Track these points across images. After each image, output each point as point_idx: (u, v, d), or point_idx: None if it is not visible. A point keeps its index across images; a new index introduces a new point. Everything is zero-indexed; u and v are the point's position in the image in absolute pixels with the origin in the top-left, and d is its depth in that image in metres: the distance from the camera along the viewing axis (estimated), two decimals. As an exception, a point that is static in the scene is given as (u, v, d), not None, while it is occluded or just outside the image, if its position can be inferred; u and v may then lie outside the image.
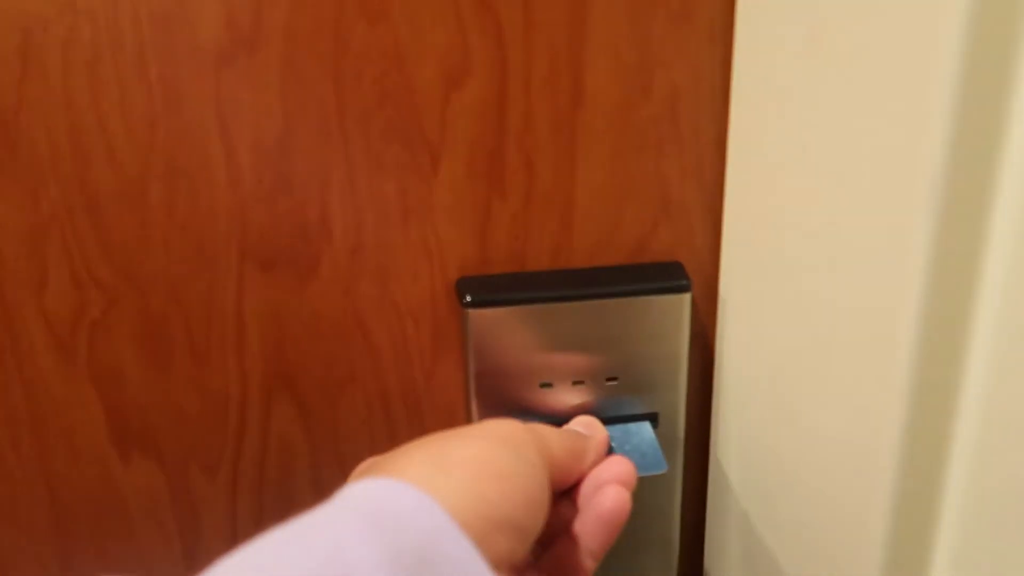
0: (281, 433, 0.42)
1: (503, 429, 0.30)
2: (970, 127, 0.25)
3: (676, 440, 0.43)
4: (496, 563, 0.26)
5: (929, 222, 0.26)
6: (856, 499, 0.32)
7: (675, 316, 0.41)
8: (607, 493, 0.32)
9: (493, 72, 0.37)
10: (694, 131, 0.39)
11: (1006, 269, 0.26)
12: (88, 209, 0.37)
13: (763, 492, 0.40)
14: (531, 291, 0.40)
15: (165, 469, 0.42)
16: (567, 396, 0.41)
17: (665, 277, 0.41)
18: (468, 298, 0.39)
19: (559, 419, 0.41)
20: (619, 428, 0.40)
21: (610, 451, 0.35)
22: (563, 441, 0.32)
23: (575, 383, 0.41)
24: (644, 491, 0.44)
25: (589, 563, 0.32)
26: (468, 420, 0.43)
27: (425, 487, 0.26)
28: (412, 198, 0.39)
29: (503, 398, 0.41)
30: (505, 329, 0.40)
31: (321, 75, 0.36)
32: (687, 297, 0.40)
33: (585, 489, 0.33)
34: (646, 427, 0.40)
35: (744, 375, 0.41)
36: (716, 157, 0.40)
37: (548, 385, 0.41)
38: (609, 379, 0.41)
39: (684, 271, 0.41)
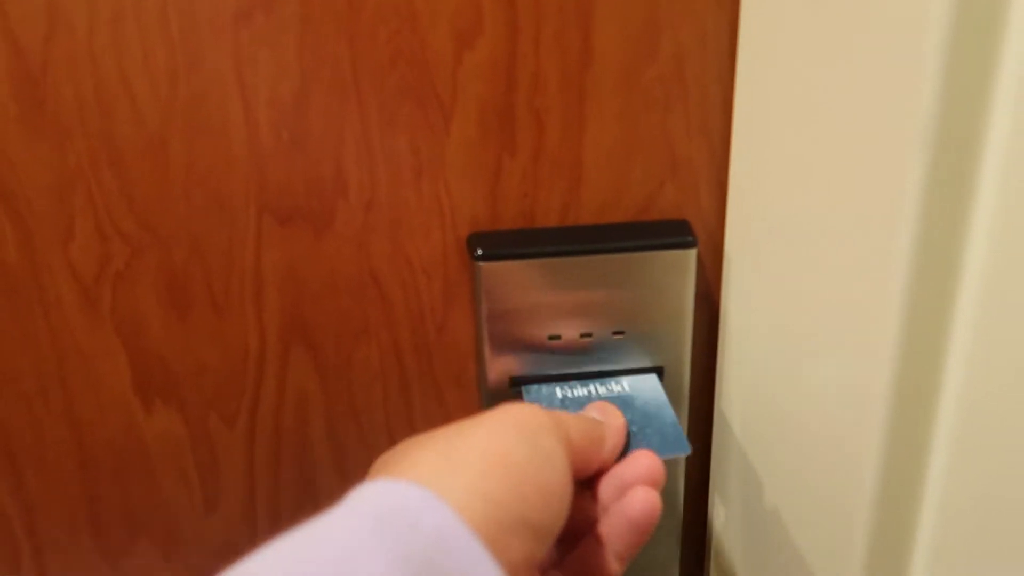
0: (297, 384, 0.44)
1: (518, 415, 0.29)
2: (960, 93, 0.26)
3: (682, 392, 0.44)
4: (512, 566, 0.25)
5: (923, 179, 0.27)
6: (850, 446, 0.33)
7: (681, 272, 0.42)
8: (636, 496, 0.30)
9: (504, 32, 0.38)
10: (700, 91, 0.40)
11: (997, 223, 0.27)
12: (112, 163, 0.39)
13: (764, 441, 0.41)
14: (540, 246, 0.41)
15: (186, 417, 0.44)
16: (575, 348, 0.42)
17: (671, 234, 0.42)
18: (479, 252, 0.40)
19: (567, 372, 0.43)
20: (640, 411, 0.38)
21: (628, 437, 0.34)
22: (580, 425, 0.31)
23: (583, 336, 0.42)
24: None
25: (616, 566, 0.31)
26: (479, 373, 0.44)
27: (435, 487, 0.25)
28: (424, 155, 0.40)
29: (512, 350, 0.42)
30: (515, 283, 0.41)
31: (336, 33, 0.37)
32: (693, 253, 0.41)
33: (608, 487, 0.32)
34: (666, 408, 0.39)
35: (748, 330, 0.42)
36: (722, 117, 0.41)
37: (556, 338, 0.42)
38: (616, 332, 0.42)
39: (690, 228, 0.42)
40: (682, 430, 0.37)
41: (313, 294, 0.42)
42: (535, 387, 0.40)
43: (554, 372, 0.43)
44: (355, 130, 0.39)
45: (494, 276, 0.41)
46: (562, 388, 0.40)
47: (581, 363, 0.43)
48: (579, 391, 0.39)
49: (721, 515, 0.47)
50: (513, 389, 0.43)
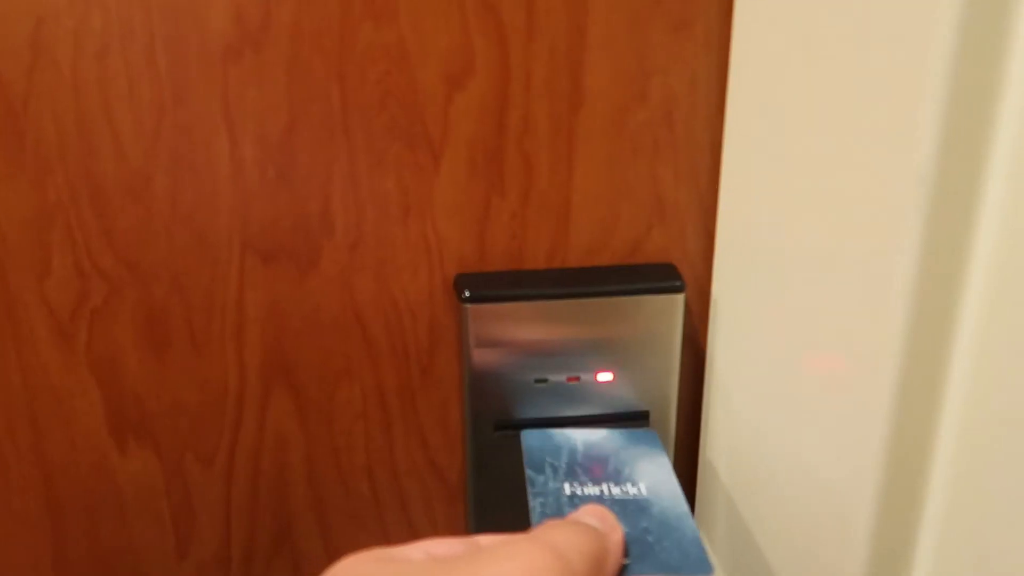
0: (277, 425, 0.43)
1: (522, 567, 0.24)
2: (958, 138, 0.26)
3: (667, 436, 0.44)
4: None
5: (916, 233, 0.27)
6: (842, 497, 0.33)
7: (669, 316, 0.42)
8: None
9: (495, 74, 0.38)
10: (689, 136, 0.40)
11: (990, 285, 0.27)
12: (93, 198, 0.38)
13: (751, 488, 0.41)
14: (528, 288, 0.40)
15: (161, 458, 0.43)
16: (561, 392, 0.42)
17: (660, 278, 0.42)
18: (466, 293, 0.40)
19: (552, 417, 0.42)
20: (656, 519, 0.34)
21: (638, 547, 0.31)
22: (585, 551, 0.27)
23: (569, 379, 0.42)
24: (634, 488, 0.44)
25: None
26: (462, 417, 0.43)
27: None
28: (413, 195, 0.40)
29: (498, 393, 0.42)
30: (502, 325, 0.40)
31: (326, 72, 0.37)
32: (681, 298, 0.41)
33: None
34: (688, 520, 0.34)
35: (734, 375, 0.42)
36: (711, 162, 0.41)
37: (543, 381, 0.42)
38: (603, 376, 0.42)
39: (678, 272, 0.42)
40: (704, 547, 0.33)
41: (295, 333, 0.41)
42: (541, 480, 0.35)
43: (539, 416, 0.42)
44: (343, 169, 0.39)
45: (481, 318, 0.40)
46: (571, 484, 0.35)
47: (567, 407, 0.42)
48: (590, 489, 0.35)
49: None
50: (498, 432, 0.42)
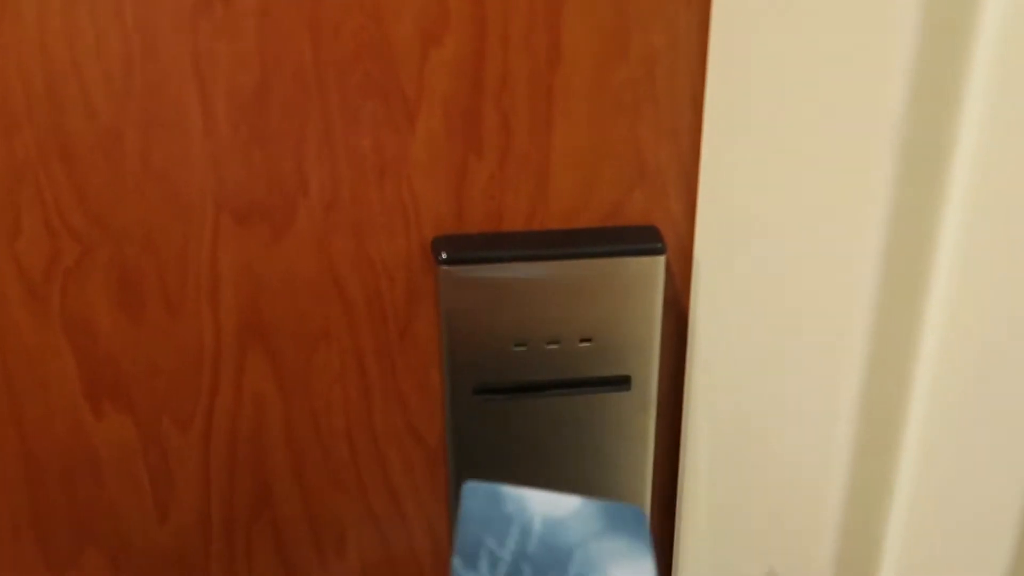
0: (254, 387, 0.43)
1: None
2: (930, 96, 0.25)
3: (648, 404, 0.43)
4: None
5: (893, 183, 0.27)
6: (818, 458, 0.32)
7: (649, 279, 0.41)
8: None
9: (471, 29, 0.37)
10: (671, 94, 0.40)
11: (966, 227, 0.26)
12: (62, 156, 0.37)
13: (733, 453, 0.41)
14: (506, 250, 0.40)
15: (138, 422, 0.43)
16: (541, 356, 0.41)
17: (640, 240, 0.41)
18: (443, 255, 0.39)
19: (532, 381, 0.42)
20: None
21: None
22: None
23: (549, 344, 0.41)
24: (616, 453, 0.44)
25: None
26: (441, 381, 0.43)
27: None
28: (388, 154, 0.39)
29: (477, 357, 0.41)
30: (480, 288, 0.40)
31: (298, 26, 0.36)
32: (661, 260, 0.41)
33: None
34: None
35: (716, 339, 0.41)
36: (692, 121, 0.40)
37: (522, 345, 0.41)
38: (583, 340, 0.41)
39: (659, 234, 0.41)
40: None
41: (272, 295, 0.41)
42: None
43: (519, 380, 0.42)
44: (317, 127, 0.38)
45: (458, 281, 0.40)
46: None
47: (547, 371, 0.42)
48: None
49: (689, 529, 0.46)
50: (477, 396, 0.42)
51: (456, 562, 0.25)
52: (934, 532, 0.30)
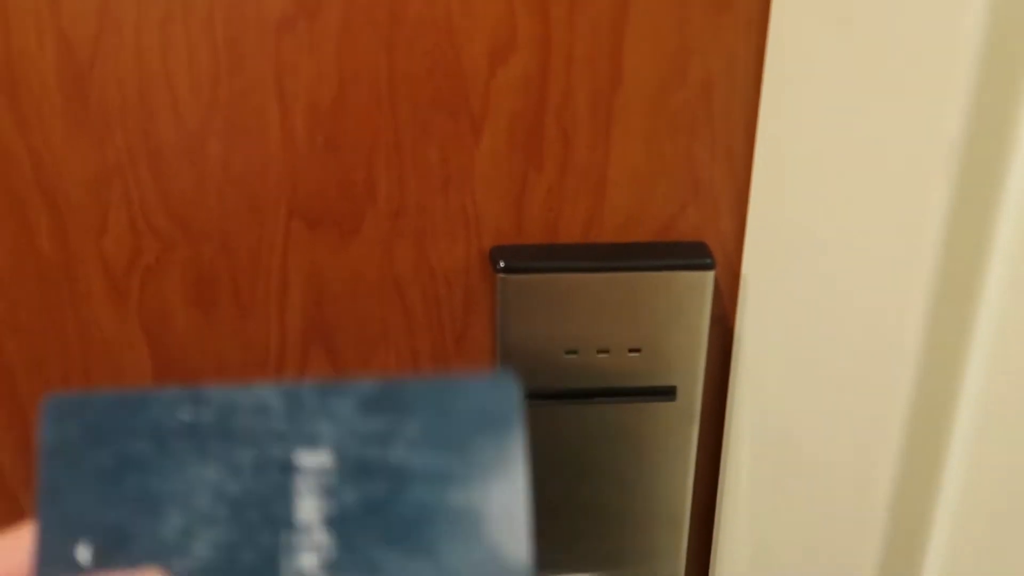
0: (316, 386, 0.44)
1: None
2: (986, 123, 0.26)
3: (692, 414, 0.45)
4: None
5: (947, 206, 0.28)
6: (863, 478, 0.33)
7: (698, 293, 0.42)
8: None
9: (537, 49, 0.39)
10: (726, 117, 0.41)
11: (1010, 272, 0.27)
12: (150, 160, 0.40)
13: (775, 469, 0.42)
14: (562, 261, 0.42)
15: (204, 414, 0.45)
16: (591, 365, 0.43)
17: (690, 255, 0.42)
18: (502, 264, 0.41)
19: (583, 387, 0.43)
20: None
21: None
22: None
23: (599, 352, 0.43)
24: (659, 461, 0.46)
25: None
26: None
27: None
28: (453, 166, 0.41)
29: (529, 363, 0.43)
30: (535, 296, 0.42)
31: (375, 43, 0.39)
32: (710, 275, 0.42)
33: None
34: None
35: (762, 355, 0.42)
36: (745, 143, 0.42)
37: (573, 352, 0.43)
38: (632, 350, 0.43)
39: (709, 250, 0.43)
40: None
41: (336, 298, 0.43)
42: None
43: (569, 387, 0.43)
44: (388, 138, 0.40)
45: (515, 289, 0.41)
46: None
47: (596, 379, 0.43)
48: None
49: (728, 541, 0.47)
50: (529, 401, 0.43)
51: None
52: (978, 551, 0.31)
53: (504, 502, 0.18)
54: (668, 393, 0.44)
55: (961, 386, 0.30)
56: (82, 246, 0.41)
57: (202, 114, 0.39)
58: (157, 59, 0.38)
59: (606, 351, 0.43)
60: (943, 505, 0.32)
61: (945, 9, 0.27)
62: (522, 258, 0.42)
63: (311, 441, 0.19)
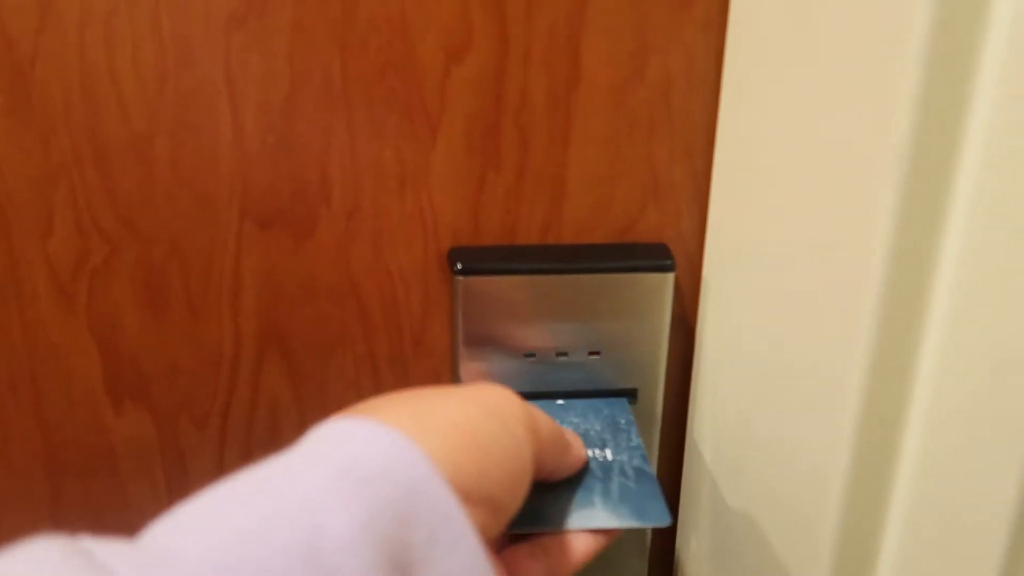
0: (270, 390, 0.44)
1: (495, 398, 0.29)
2: (933, 124, 0.26)
3: (654, 415, 0.44)
4: None
5: (890, 215, 0.28)
6: (820, 476, 0.33)
7: (658, 295, 0.42)
8: None
9: (493, 48, 0.39)
10: (685, 116, 0.41)
11: (969, 249, 0.27)
12: (96, 159, 0.39)
13: (736, 469, 0.41)
14: (520, 263, 0.41)
15: (156, 419, 0.44)
16: (550, 367, 0.42)
17: (650, 257, 0.42)
18: (459, 266, 0.40)
19: (540, 391, 0.43)
20: (619, 482, 0.36)
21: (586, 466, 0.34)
22: (551, 427, 0.31)
23: (559, 355, 0.42)
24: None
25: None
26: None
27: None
28: (409, 166, 0.40)
29: (488, 365, 0.42)
30: (493, 298, 0.41)
31: (328, 41, 0.38)
32: (671, 277, 0.42)
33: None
34: (651, 481, 0.36)
35: (722, 356, 0.42)
36: (705, 143, 0.41)
37: (532, 355, 0.42)
38: (592, 352, 0.42)
39: (669, 252, 0.42)
40: (662, 498, 0.36)
41: (290, 300, 0.42)
42: None
43: (528, 389, 0.43)
44: (341, 138, 0.39)
45: (473, 291, 0.41)
46: None
47: (555, 382, 0.43)
48: None
49: (691, 544, 0.47)
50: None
51: None
52: (930, 547, 0.31)
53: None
54: (629, 395, 0.44)
55: (915, 385, 0.30)
56: (27, 248, 0.40)
57: (149, 112, 0.38)
58: (102, 55, 0.37)
59: (565, 353, 0.42)
60: (896, 504, 0.32)
61: (893, 10, 0.27)
62: (480, 260, 0.41)
63: None
